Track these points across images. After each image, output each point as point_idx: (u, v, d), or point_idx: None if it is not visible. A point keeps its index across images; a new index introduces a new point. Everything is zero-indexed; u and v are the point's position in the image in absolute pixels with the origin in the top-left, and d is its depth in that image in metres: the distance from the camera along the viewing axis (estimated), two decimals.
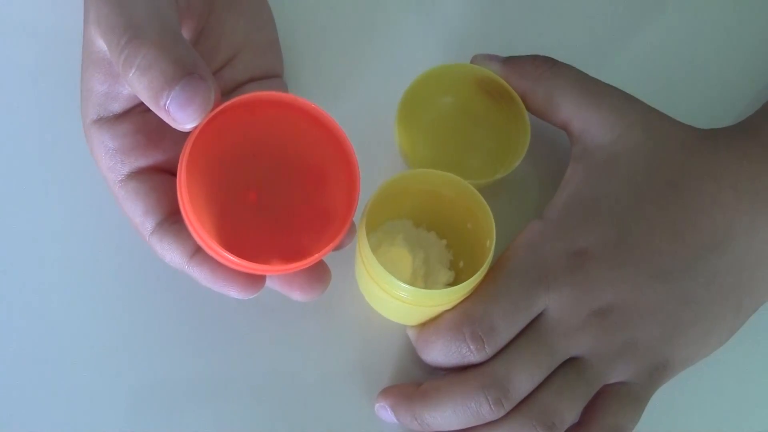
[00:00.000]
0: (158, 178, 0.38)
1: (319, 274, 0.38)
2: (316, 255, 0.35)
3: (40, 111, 0.45)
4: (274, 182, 0.37)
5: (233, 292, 0.37)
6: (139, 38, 0.33)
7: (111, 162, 0.37)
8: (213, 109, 0.34)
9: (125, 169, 0.37)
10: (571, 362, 0.39)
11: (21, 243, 0.43)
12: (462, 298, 0.39)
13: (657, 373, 0.40)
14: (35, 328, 0.42)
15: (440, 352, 0.39)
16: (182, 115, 0.33)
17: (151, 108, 0.34)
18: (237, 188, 0.37)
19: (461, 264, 0.42)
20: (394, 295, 0.38)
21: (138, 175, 0.38)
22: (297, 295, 0.38)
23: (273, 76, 0.43)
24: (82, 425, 0.40)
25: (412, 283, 0.40)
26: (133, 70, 0.33)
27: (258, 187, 0.37)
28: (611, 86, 0.42)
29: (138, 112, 0.38)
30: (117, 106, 0.37)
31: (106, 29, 0.34)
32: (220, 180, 0.36)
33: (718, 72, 0.49)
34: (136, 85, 0.33)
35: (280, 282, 0.38)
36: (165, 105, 0.33)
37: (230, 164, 0.37)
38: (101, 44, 0.36)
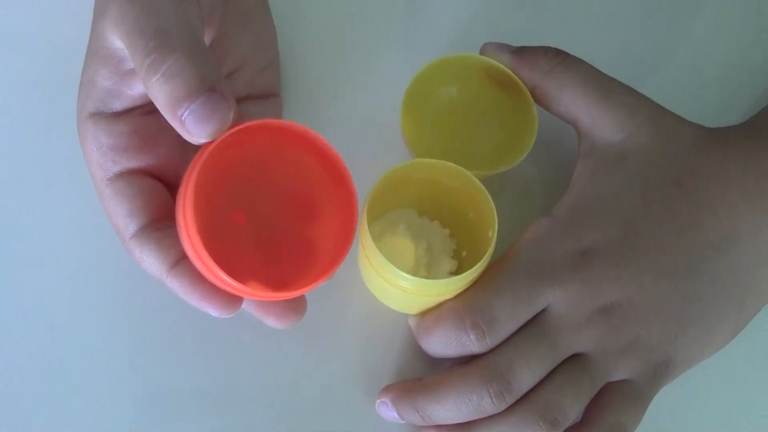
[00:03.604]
0: (146, 183, 0.38)
1: (297, 304, 0.38)
2: (309, 286, 0.34)
3: (26, 112, 0.45)
4: (265, 209, 0.37)
5: (211, 309, 0.36)
6: (169, 45, 0.33)
7: (102, 158, 0.37)
8: (229, 129, 0.33)
9: (115, 168, 0.37)
10: (574, 359, 0.39)
11: (23, 248, 0.43)
12: (464, 288, 0.39)
13: (660, 371, 0.40)
14: (36, 335, 0.42)
15: (440, 341, 0.39)
16: (198, 128, 0.33)
17: (164, 115, 0.33)
18: (227, 209, 0.36)
19: (464, 254, 0.42)
20: (396, 284, 0.38)
21: (127, 176, 0.37)
22: (271, 322, 0.38)
23: (270, 95, 0.43)
24: None
25: (414, 273, 0.40)
26: (157, 76, 0.33)
27: (247, 211, 0.37)
28: (622, 83, 0.42)
29: (137, 113, 0.38)
30: (118, 105, 0.37)
31: (131, 30, 0.34)
32: (212, 198, 0.36)
33: (724, 69, 0.49)
34: (157, 90, 0.33)
35: (256, 306, 0.38)
36: (182, 115, 0.33)
37: (224, 184, 0.36)
38: (116, 42, 0.35)
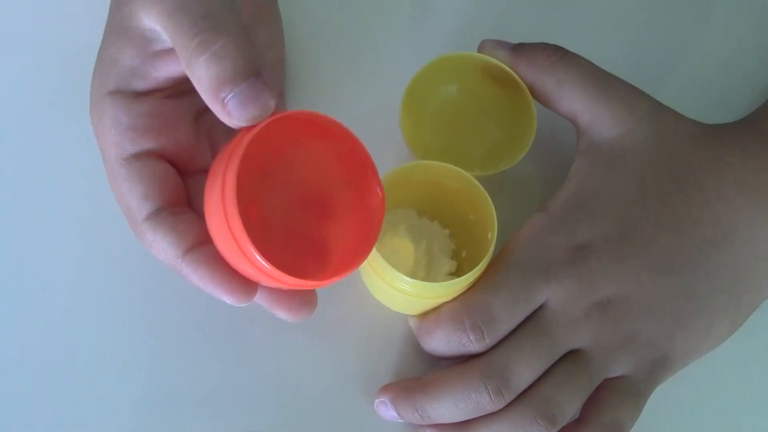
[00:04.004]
0: (162, 166, 0.37)
1: (309, 298, 0.38)
2: (335, 277, 0.34)
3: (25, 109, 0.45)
4: (280, 203, 0.37)
5: (227, 297, 0.36)
6: (220, 27, 0.33)
7: (119, 137, 0.37)
8: (270, 117, 0.33)
9: (133, 149, 0.37)
10: (572, 355, 0.39)
11: (24, 247, 0.43)
12: (463, 290, 0.39)
13: (658, 367, 0.40)
14: (39, 335, 0.42)
15: (441, 342, 0.39)
16: (240, 112, 0.33)
17: (204, 95, 0.33)
18: (242, 200, 0.35)
19: (464, 254, 0.42)
20: (396, 287, 0.38)
21: (143, 157, 0.37)
22: (283, 315, 0.38)
23: None
24: None
25: (414, 273, 0.40)
26: (205, 56, 0.33)
27: (261, 205, 0.36)
28: (621, 79, 0.42)
29: (158, 96, 0.38)
30: (141, 85, 0.37)
31: (175, 10, 0.34)
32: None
33: (723, 66, 0.49)
34: (202, 70, 0.33)
35: (270, 299, 0.37)
36: (225, 98, 0.33)
37: (243, 175, 0.35)
38: (146, 22, 0.35)
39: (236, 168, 0.32)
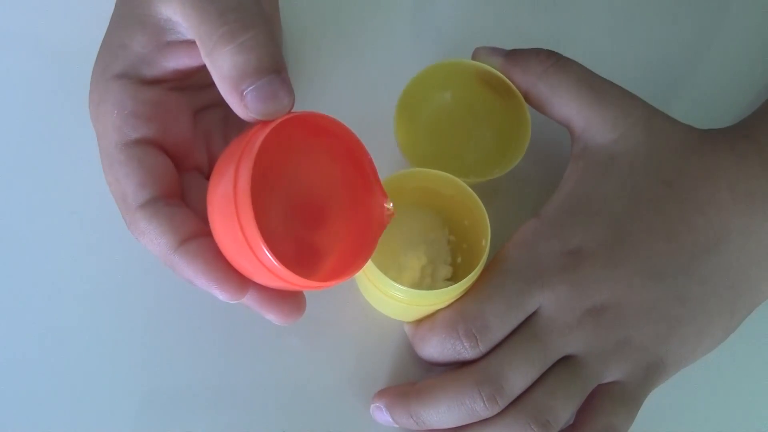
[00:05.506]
0: (161, 156, 0.37)
1: (299, 302, 0.37)
2: (340, 278, 0.34)
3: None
4: (279, 202, 0.36)
5: (219, 292, 0.35)
6: (250, 20, 0.33)
7: (121, 122, 0.36)
8: (285, 115, 0.33)
9: (134, 135, 0.36)
10: (565, 361, 0.39)
11: (24, 246, 0.43)
12: (457, 297, 0.39)
13: (651, 372, 0.40)
14: (39, 335, 0.42)
15: (435, 349, 0.39)
16: (257, 106, 0.33)
17: (221, 85, 0.33)
18: None
19: (459, 260, 0.42)
20: (389, 294, 0.38)
21: (143, 144, 0.36)
22: (272, 317, 0.37)
23: None
24: None
25: (419, 283, 0.40)
26: (231, 46, 0.33)
27: (260, 203, 0.35)
28: (615, 84, 0.42)
29: (164, 87, 0.37)
30: (148, 72, 0.37)
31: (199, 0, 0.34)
32: None
33: (717, 71, 0.49)
34: (225, 60, 0.33)
35: (260, 300, 0.37)
36: (244, 90, 0.33)
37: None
38: (164, 12, 0.35)
39: (251, 163, 0.32)
